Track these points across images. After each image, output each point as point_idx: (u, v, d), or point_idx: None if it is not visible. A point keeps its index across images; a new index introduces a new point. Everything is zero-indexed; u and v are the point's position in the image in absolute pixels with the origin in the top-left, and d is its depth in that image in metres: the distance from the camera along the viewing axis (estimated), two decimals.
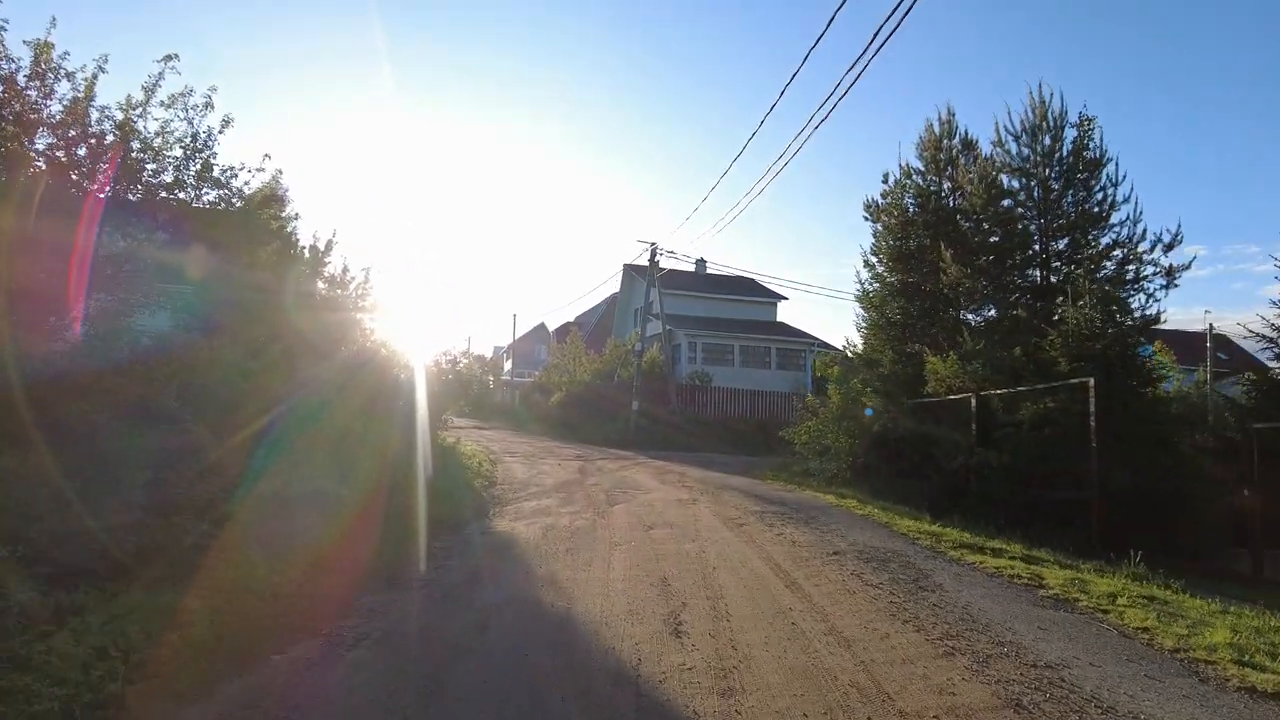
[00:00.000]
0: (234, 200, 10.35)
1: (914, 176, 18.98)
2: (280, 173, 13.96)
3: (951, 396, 13.57)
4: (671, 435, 28.01)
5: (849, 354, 17.89)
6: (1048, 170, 15.60)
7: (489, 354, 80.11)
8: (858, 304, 19.04)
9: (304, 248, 24.88)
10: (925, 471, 13.21)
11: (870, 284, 18.23)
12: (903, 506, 12.05)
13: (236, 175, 9.86)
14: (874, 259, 18.50)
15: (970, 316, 17.44)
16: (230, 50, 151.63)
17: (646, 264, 30.56)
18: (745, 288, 43.39)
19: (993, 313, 16.99)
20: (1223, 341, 33.62)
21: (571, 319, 60.77)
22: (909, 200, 18.59)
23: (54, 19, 7.81)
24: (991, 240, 16.29)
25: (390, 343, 21.11)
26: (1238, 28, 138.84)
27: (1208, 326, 30.25)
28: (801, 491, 13.16)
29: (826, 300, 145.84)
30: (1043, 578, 6.99)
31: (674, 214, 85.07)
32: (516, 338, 67.59)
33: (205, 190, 9.65)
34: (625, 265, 42.08)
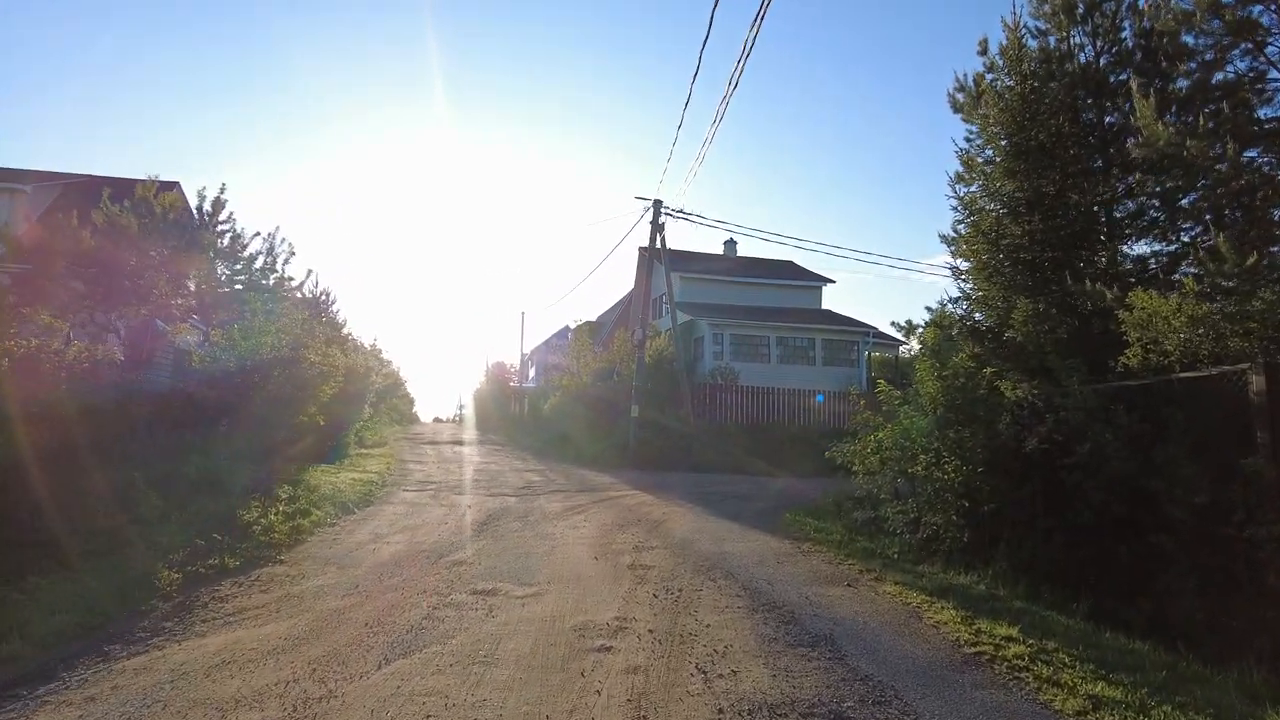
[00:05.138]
0: None
1: (1031, 39, 11.87)
2: None
3: (1186, 374, 6.40)
4: (683, 449, 21.03)
5: (941, 318, 10.71)
6: None
7: (515, 363, 74.10)
8: (950, 245, 11.85)
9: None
10: (1144, 531, 6.11)
11: (976, 202, 11.02)
12: (1119, 637, 5.00)
13: None
14: (977, 163, 11.31)
15: (1146, 245, 10.28)
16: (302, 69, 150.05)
17: (664, 244, 23.62)
18: (783, 271, 36.36)
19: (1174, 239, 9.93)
20: None
21: (594, 318, 54.73)
22: (1030, 70, 11.43)
23: None
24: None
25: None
26: None
27: None
28: (879, 585, 6.12)
29: (880, 284, 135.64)
30: None
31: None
32: (542, 342, 61.88)
33: None
34: (640, 249, 35.49)
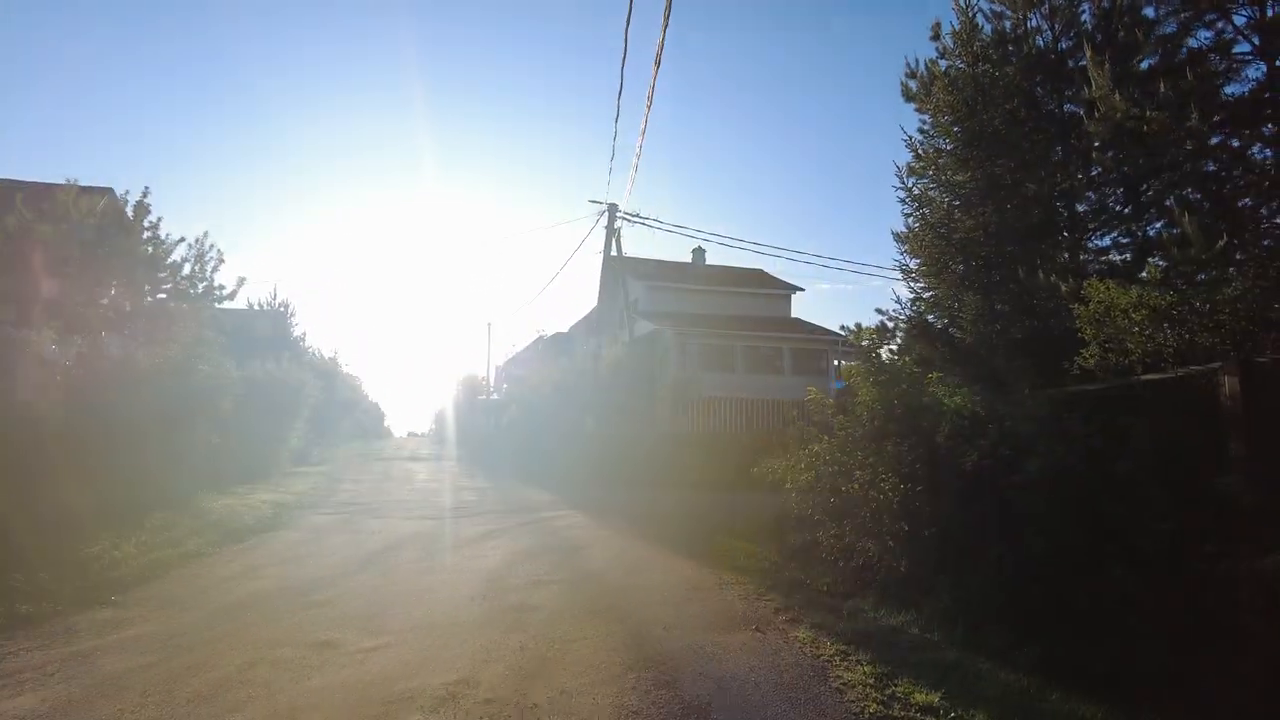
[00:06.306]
0: None
1: (986, 22, 11.19)
2: None
3: (1150, 376, 5.56)
4: (641, 463, 20.05)
5: (886, 319, 9.88)
6: None
7: (486, 377, 72.73)
8: (900, 242, 11.04)
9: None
10: (1107, 564, 5.24)
11: (926, 193, 10.22)
12: (1068, 698, 4.11)
13: None
14: (929, 153, 10.52)
15: (1111, 239, 9.57)
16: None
17: (634, 254, 22.86)
18: (752, 280, 35.60)
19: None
20: None
21: (565, 330, 53.76)
22: (981, 52, 10.73)
23: None
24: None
25: None
26: None
27: None
28: (792, 630, 5.18)
29: (865, 294, 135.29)
30: None
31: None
32: (513, 355, 60.71)
33: None
34: (605, 257, 34.66)
